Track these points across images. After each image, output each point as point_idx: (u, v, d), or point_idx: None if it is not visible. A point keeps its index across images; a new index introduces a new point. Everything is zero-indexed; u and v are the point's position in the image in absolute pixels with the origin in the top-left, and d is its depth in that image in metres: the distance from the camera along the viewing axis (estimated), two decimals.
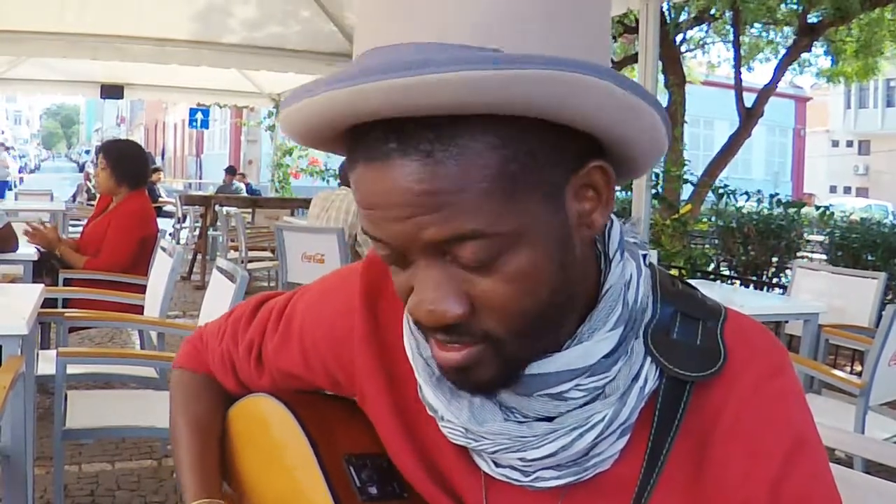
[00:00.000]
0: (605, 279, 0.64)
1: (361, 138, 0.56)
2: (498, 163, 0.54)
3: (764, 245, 6.14)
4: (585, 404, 0.63)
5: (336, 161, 9.40)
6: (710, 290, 3.68)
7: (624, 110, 0.56)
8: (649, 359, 0.64)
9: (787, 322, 3.81)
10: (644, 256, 0.68)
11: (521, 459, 0.64)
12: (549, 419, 0.63)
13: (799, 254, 6.27)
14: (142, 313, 3.15)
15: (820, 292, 3.70)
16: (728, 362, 0.63)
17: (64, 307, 3.20)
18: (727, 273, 6.36)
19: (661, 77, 7.55)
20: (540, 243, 0.57)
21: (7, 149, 21.15)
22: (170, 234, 9.36)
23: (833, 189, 31.90)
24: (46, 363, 2.56)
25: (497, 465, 0.66)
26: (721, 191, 5.93)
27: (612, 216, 0.67)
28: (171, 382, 0.93)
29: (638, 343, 0.64)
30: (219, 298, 2.40)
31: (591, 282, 0.64)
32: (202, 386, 0.91)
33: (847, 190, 31.97)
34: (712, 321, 0.66)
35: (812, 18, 8.20)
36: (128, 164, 3.62)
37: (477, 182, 0.54)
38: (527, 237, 0.56)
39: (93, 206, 6.47)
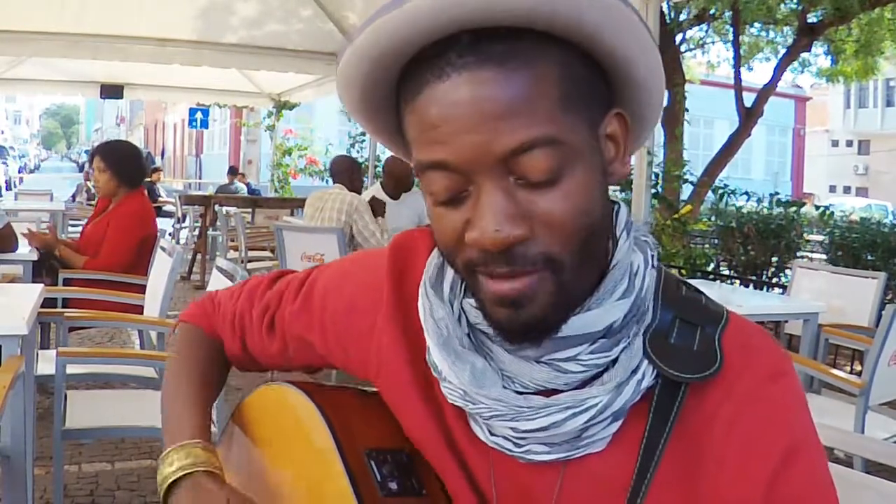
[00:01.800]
0: (612, 256, 0.68)
1: (431, 60, 0.60)
2: (559, 78, 0.60)
3: (764, 245, 6.13)
4: (583, 385, 0.65)
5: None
6: (710, 290, 3.66)
7: (647, 50, 0.63)
8: (646, 360, 0.66)
9: (786, 322, 3.81)
10: (653, 257, 0.70)
11: (513, 430, 0.65)
12: (546, 395, 0.65)
13: (799, 253, 6.26)
14: (141, 313, 3.14)
15: (820, 292, 3.70)
16: (726, 366, 0.65)
17: (64, 307, 3.20)
18: (727, 273, 6.35)
19: None
20: (591, 165, 0.63)
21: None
22: (169, 234, 9.37)
23: (833, 189, 31.90)
24: (46, 363, 2.56)
25: (491, 433, 0.68)
26: (721, 191, 5.93)
27: (620, 201, 0.72)
28: (177, 335, 0.94)
29: (638, 339, 0.66)
30: None
31: (602, 257, 0.68)
32: (207, 342, 0.92)
33: (847, 189, 31.97)
34: (711, 327, 0.68)
35: (812, 18, 8.20)
36: (127, 164, 3.62)
37: (547, 90, 0.59)
38: (584, 156, 0.62)
39: (92, 205, 6.47)
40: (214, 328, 0.92)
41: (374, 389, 0.82)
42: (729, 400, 0.64)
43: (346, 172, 4.57)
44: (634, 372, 0.65)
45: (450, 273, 0.72)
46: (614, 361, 0.65)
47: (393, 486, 0.74)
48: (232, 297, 0.92)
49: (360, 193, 4.44)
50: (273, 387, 0.85)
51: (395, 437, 0.78)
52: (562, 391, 0.65)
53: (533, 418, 0.64)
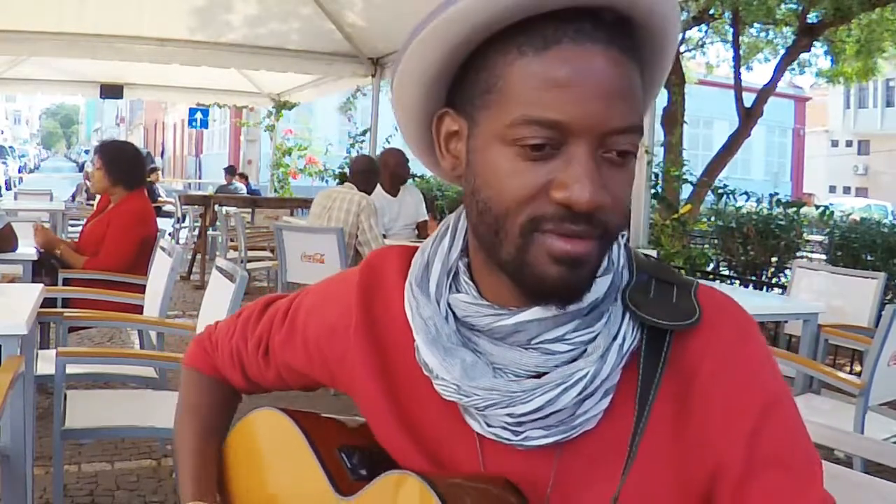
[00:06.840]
0: None
1: (564, 21, 0.63)
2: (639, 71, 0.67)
3: (763, 245, 6.12)
4: (570, 361, 0.68)
5: (334, 161, 9.36)
6: None
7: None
8: (627, 316, 0.70)
9: (786, 322, 3.81)
10: (622, 234, 0.74)
11: (510, 415, 0.68)
12: (537, 377, 0.68)
13: (798, 254, 6.25)
14: (141, 313, 3.14)
15: (819, 292, 3.70)
16: (703, 320, 0.69)
17: (63, 307, 3.20)
18: (727, 273, 6.35)
19: None
20: None
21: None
22: (169, 234, 9.36)
23: (832, 189, 31.91)
24: (46, 363, 2.55)
25: (488, 424, 0.70)
26: (720, 191, 5.93)
27: None
28: (182, 380, 1.00)
29: (616, 307, 0.70)
30: (218, 298, 2.40)
31: None
32: (211, 388, 0.98)
33: (846, 190, 31.98)
34: (685, 287, 0.73)
35: (812, 18, 8.20)
36: (122, 164, 3.63)
37: (639, 82, 0.67)
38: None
39: (92, 205, 6.46)
40: (216, 367, 0.98)
41: (355, 419, 0.88)
42: (708, 355, 0.69)
43: (365, 174, 4.53)
44: (615, 338, 0.68)
45: (435, 271, 0.75)
46: (597, 335, 0.69)
47: (363, 472, 0.80)
48: (228, 333, 0.96)
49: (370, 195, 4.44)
50: (257, 413, 0.91)
51: (369, 441, 0.83)
52: (551, 372, 0.68)
53: (527, 401, 0.67)
